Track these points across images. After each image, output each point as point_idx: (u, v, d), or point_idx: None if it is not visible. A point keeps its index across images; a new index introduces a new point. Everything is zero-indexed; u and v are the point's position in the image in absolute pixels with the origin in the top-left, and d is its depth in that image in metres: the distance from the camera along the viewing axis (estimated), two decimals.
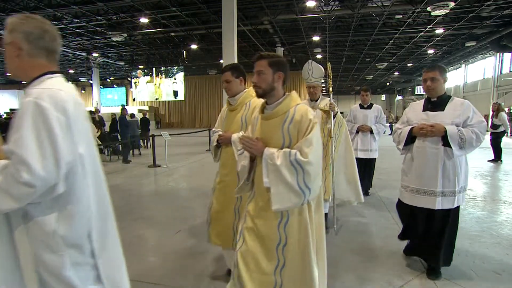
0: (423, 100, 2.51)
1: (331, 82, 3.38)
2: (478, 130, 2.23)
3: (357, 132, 4.60)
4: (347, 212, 4.02)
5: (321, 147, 1.56)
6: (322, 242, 1.66)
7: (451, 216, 2.36)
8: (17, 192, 1.01)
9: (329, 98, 3.39)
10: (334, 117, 3.26)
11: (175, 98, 22.05)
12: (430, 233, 2.43)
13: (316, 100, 3.44)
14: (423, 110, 2.44)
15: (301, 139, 1.48)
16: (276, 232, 1.54)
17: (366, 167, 4.68)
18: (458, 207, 2.39)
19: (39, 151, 1.02)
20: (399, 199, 2.61)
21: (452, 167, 2.28)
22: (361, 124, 4.60)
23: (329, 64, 3.36)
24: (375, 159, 4.80)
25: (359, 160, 4.33)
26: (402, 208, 2.60)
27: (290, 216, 1.54)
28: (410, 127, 2.43)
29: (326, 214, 3.23)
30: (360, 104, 4.76)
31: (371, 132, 4.60)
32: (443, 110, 2.34)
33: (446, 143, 2.24)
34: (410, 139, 2.41)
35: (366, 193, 4.67)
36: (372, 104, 4.71)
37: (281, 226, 1.53)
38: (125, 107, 10.88)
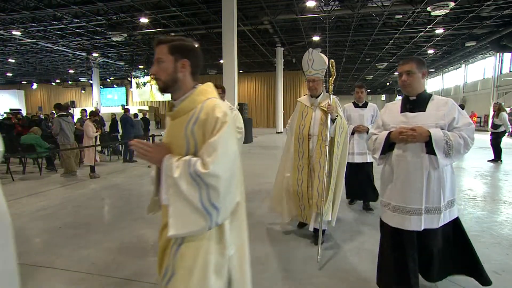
0: (400, 100, 2.10)
1: (332, 81, 2.95)
2: (466, 134, 1.86)
3: (353, 133, 4.00)
4: (345, 213, 4.01)
5: (235, 154, 1.16)
6: (243, 283, 1.27)
7: (451, 233, 2.01)
8: None
9: (333, 97, 3.00)
10: (333, 122, 2.90)
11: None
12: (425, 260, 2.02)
13: (317, 97, 3.03)
14: (401, 112, 2.01)
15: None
16: (167, 261, 1.21)
17: (363, 172, 4.05)
18: (458, 221, 2.04)
19: None
20: (380, 219, 2.10)
21: (437, 179, 1.89)
22: (357, 125, 4.01)
23: (332, 61, 2.96)
24: (372, 163, 4.06)
25: (355, 166, 3.98)
26: (386, 232, 2.04)
27: (183, 241, 1.17)
28: (388, 132, 2.00)
29: (317, 230, 2.87)
30: (354, 103, 4.16)
31: (368, 133, 4.09)
32: (424, 110, 1.94)
33: (430, 150, 1.84)
34: (388, 146, 1.99)
35: (367, 207, 4.14)
36: (367, 103, 4.14)
37: (172, 252, 1.19)
38: (125, 107, 10.88)
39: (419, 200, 1.89)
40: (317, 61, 2.92)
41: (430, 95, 1.99)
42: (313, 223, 2.94)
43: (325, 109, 2.89)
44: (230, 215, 1.21)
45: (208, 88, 1.29)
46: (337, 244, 3.04)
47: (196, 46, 1.32)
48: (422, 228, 1.89)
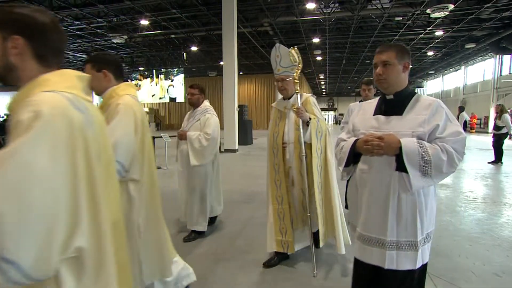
0: (377, 99, 1.68)
1: (298, 74, 2.54)
2: (452, 147, 1.39)
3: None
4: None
5: (28, 175, 0.69)
6: None
7: (412, 282, 1.52)
8: None
9: (307, 95, 2.61)
10: (308, 125, 2.49)
11: (160, 99, 22.29)
12: None
13: (290, 98, 2.60)
14: (374, 114, 1.59)
15: None
16: None
17: None
18: (424, 268, 1.54)
19: None
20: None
21: (411, 204, 1.44)
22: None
23: (295, 49, 2.53)
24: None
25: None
26: (357, 265, 1.65)
27: None
28: (355, 139, 1.59)
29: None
30: (361, 102, 3.24)
31: (400, 166, 2.63)
32: (401, 114, 1.50)
33: (401, 166, 1.41)
34: (354, 157, 1.58)
35: None
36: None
37: None
38: None
39: (383, 230, 1.46)
40: (285, 57, 2.50)
41: (412, 94, 1.53)
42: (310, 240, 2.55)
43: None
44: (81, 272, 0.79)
45: (44, 80, 0.86)
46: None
47: (40, 14, 0.87)
48: (391, 267, 1.46)
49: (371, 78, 2.50)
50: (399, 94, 1.54)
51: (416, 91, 1.63)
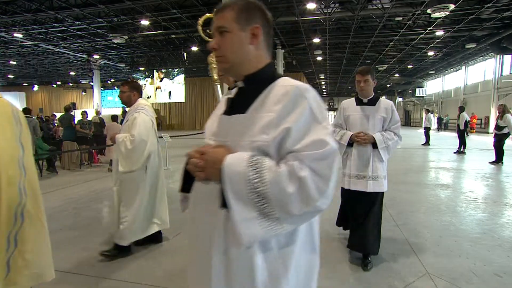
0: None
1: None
2: (310, 168, 0.74)
3: (351, 145, 2.64)
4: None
5: None
6: None
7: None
8: None
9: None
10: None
11: (169, 99, 22.37)
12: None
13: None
14: (223, 113, 1.17)
15: None
16: None
17: (364, 206, 2.61)
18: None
19: None
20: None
21: (247, 271, 0.88)
22: (357, 132, 2.60)
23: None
24: (381, 193, 2.65)
25: (354, 195, 2.63)
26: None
27: None
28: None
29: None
30: (356, 98, 2.74)
31: (374, 145, 2.56)
32: (243, 112, 1.16)
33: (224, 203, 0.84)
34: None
35: (364, 263, 2.61)
36: (378, 98, 2.67)
37: None
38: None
39: None
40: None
41: (273, 79, 0.92)
42: None
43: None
44: None
45: None
46: (337, 245, 3.03)
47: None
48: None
49: (369, 66, 2.57)
50: (252, 79, 0.94)
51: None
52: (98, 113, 11.40)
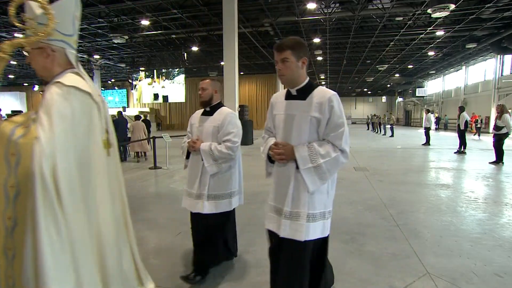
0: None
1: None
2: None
3: (271, 160, 1.79)
4: (346, 214, 4.01)
5: None
6: None
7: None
8: None
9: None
10: None
11: (155, 100, 22.42)
12: None
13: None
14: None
15: None
16: None
17: (286, 260, 1.68)
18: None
19: None
20: None
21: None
22: (278, 142, 1.71)
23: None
24: (323, 242, 1.77)
25: (273, 237, 1.75)
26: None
27: None
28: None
29: None
30: (289, 90, 1.75)
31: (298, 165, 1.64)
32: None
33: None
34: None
35: None
36: (312, 87, 1.68)
37: None
38: (126, 108, 10.92)
39: None
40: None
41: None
42: None
43: None
44: None
45: None
46: (337, 245, 3.03)
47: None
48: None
49: (294, 37, 1.72)
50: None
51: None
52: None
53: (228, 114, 2.32)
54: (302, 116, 1.62)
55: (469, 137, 16.66)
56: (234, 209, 2.52)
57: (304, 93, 1.66)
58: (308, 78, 1.71)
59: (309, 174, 1.57)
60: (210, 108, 2.39)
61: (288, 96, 1.72)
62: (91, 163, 1.29)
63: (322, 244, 1.75)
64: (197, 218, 2.35)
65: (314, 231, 1.58)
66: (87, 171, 1.28)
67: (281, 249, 1.66)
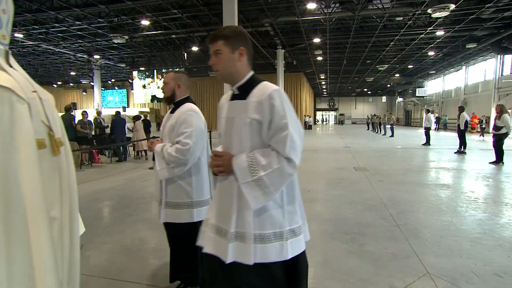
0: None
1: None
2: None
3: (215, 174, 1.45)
4: (346, 214, 4.01)
5: None
6: None
7: None
8: None
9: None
10: None
11: (152, 102, 22.45)
12: None
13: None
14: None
15: None
16: None
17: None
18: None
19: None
20: None
21: None
22: (216, 151, 1.46)
23: None
24: (296, 264, 1.37)
25: (209, 261, 1.40)
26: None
27: None
28: None
29: None
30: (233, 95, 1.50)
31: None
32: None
33: None
34: None
35: None
36: (254, 84, 1.37)
37: None
38: (126, 108, 11.00)
39: None
40: None
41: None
42: None
43: None
44: None
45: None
46: (337, 245, 3.03)
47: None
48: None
49: (230, 26, 1.44)
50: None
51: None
52: (99, 113, 11.41)
53: (184, 112, 2.01)
54: (241, 119, 1.32)
55: (474, 138, 16.66)
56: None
57: (246, 92, 1.36)
58: (251, 73, 1.39)
59: (249, 189, 1.26)
60: (174, 105, 2.13)
61: (232, 96, 1.43)
62: (15, 169, 0.83)
63: (294, 266, 1.34)
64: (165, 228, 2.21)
65: (264, 253, 1.26)
66: (8, 182, 0.80)
67: (227, 277, 1.31)
